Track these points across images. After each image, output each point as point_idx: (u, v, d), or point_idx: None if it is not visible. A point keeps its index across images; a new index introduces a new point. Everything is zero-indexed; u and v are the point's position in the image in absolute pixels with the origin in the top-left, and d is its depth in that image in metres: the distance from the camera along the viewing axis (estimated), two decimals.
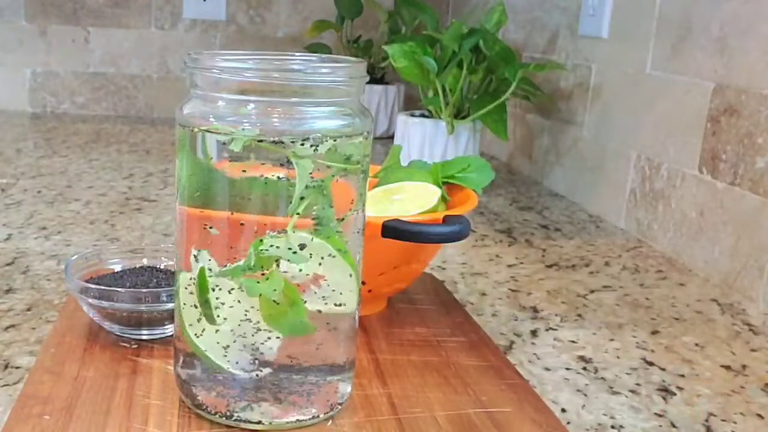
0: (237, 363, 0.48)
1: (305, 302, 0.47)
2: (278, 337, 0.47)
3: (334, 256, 0.47)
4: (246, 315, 0.47)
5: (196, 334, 0.48)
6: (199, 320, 0.48)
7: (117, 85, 1.82)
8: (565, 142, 1.25)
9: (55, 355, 0.57)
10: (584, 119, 1.19)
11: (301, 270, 0.46)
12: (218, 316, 0.47)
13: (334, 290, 0.48)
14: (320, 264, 0.47)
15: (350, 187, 0.48)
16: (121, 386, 0.53)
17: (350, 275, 0.49)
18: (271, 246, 0.46)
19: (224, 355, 0.48)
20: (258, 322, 0.47)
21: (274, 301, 0.46)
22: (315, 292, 0.48)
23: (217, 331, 0.47)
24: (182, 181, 0.48)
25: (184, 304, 0.49)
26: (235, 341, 0.47)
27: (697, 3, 0.92)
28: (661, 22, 1.00)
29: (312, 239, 0.46)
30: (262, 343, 0.47)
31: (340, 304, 0.49)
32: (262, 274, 0.46)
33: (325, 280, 0.48)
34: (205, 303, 0.47)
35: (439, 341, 0.63)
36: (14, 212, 0.98)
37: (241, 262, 0.46)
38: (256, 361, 0.48)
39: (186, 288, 0.48)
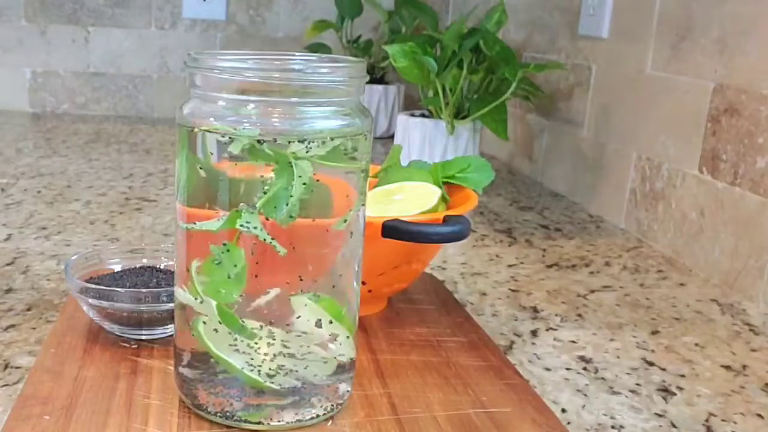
0: (279, 384, 0.48)
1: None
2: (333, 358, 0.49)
3: (331, 322, 0.48)
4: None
5: (248, 363, 0.48)
6: (232, 344, 0.48)
7: (117, 85, 1.82)
8: (565, 142, 1.25)
9: (55, 355, 0.57)
10: (584, 119, 1.19)
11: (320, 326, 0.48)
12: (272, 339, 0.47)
13: (341, 344, 0.50)
14: (330, 323, 0.48)
15: (350, 187, 0.48)
16: (121, 386, 0.53)
17: (347, 337, 0.50)
18: (248, 222, 0.45)
19: (270, 377, 0.48)
20: (309, 346, 0.48)
21: (229, 276, 0.46)
22: (334, 346, 0.49)
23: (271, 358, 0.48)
24: (182, 181, 0.48)
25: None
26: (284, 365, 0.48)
27: (697, 3, 0.92)
28: (661, 22, 1.00)
29: (311, 302, 0.47)
30: (306, 368, 0.48)
31: (351, 359, 0.51)
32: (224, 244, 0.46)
33: (338, 337, 0.49)
34: (251, 336, 0.47)
35: (439, 341, 0.63)
36: (14, 212, 0.98)
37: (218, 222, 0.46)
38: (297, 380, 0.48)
39: (212, 330, 0.48)
